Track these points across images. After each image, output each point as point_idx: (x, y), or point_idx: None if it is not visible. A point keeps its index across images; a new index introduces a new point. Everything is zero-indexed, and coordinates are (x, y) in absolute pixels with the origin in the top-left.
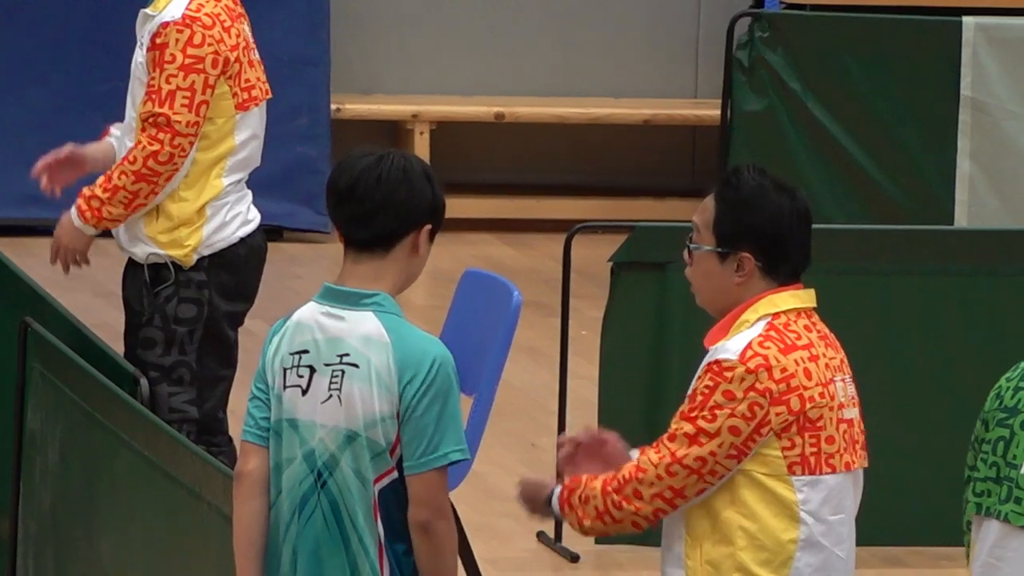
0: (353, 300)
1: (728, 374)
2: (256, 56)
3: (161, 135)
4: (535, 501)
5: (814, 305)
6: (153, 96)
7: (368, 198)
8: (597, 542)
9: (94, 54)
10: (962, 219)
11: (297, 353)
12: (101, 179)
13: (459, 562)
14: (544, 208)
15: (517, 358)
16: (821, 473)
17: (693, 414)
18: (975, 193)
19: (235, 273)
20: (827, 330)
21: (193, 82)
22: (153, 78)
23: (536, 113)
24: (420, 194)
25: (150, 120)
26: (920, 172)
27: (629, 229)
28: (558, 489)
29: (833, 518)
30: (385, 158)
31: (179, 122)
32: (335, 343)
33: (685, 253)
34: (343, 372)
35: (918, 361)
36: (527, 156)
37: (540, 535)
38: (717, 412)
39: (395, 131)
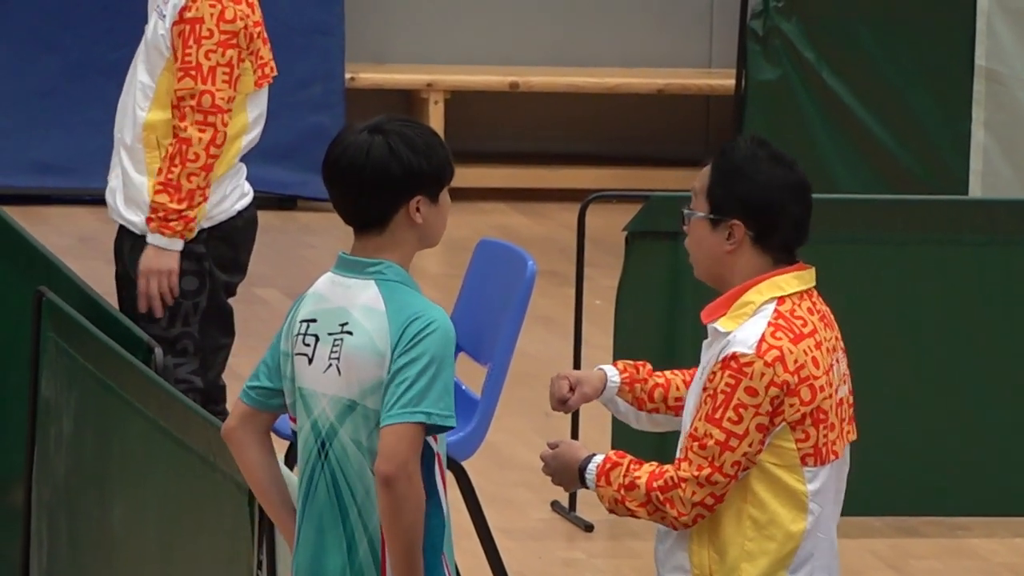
0: (359, 268)
1: (748, 370)
2: (266, 33)
3: (211, 118)
4: (566, 472)
5: (815, 284)
6: (192, 72)
7: (340, 187)
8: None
9: (106, 20)
10: (976, 189)
11: (306, 321)
12: (162, 196)
13: (463, 532)
14: (558, 177)
15: (531, 327)
16: (827, 462)
17: (718, 416)
18: (989, 163)
19: (232, 246)
20: (825, 307)
21: (231, 58)
22: (188, 53)
23: (550, 82)
24: (390, 171)
25: (192, 100)
26: (934, 142)
27: (643, 199)
28: (599, 458)
29: (829, 502)
30: (351, 142)
31: (223, 99)
32: (338, 312)
33: (682, 221)
34: (342, 341)
35: (933, 331)
36: (541, 125)
37: (554, 504)
38: (742, 412)
39: (409, 100)
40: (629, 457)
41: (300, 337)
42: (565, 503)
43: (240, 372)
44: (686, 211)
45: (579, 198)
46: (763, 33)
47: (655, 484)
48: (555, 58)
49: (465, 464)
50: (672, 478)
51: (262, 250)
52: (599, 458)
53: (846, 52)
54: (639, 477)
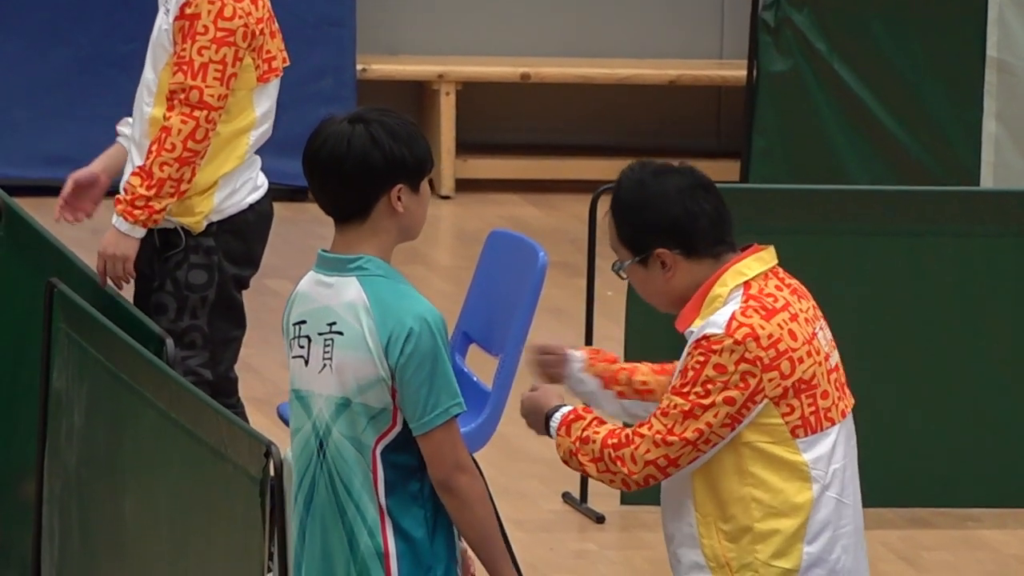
0: (339, 266)
1: (717, 347)
2: (276, 25)
3: (196, 112)
4: (535, 416)
5: (776, 262)
6: (184, 67)
7: (321, 178)
8: (622, 503)
9: (118, 14)
10: (988, 180)
11: (297, 324)
12: (135, 178)
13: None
14: (570, 168)
15: (543, 319)
16: (822, 430)
17: (685, 390)
18: (1001, 154)
19: (243, 239)
20: (795, 280)
21: (225, 55)
22: (184, 49)
23: (562, 73)
24: (371, 160)
25: (182, 94)
26: (946, 133)
27: None
28: (566, 409)
29: (836, 467)
30: (332, 132)
31: (212, 96)
32: (325, 312)
33: (621, 277)
34: (332, 341)
35: (944, 322)
36: (553, 116)
37: (566, 496)
38: (710, 387)
39: (421, 92)
40: (595, 414)
41: (295, 340)
42: (577, 495)
43: (251, 363)
44: (615, 266)
45: (590, 189)
46: (774, 24)
47: (610, 441)
48: (566, 49)
49: (476, 456)
50: (628, 435)
51: (273, 241)
52: (566, 408)
53: (857, 43)
54: (597, 432)
